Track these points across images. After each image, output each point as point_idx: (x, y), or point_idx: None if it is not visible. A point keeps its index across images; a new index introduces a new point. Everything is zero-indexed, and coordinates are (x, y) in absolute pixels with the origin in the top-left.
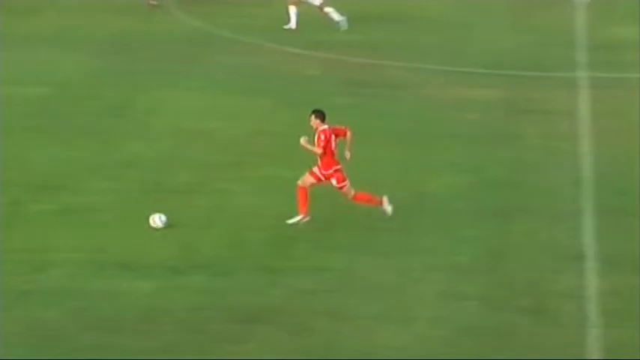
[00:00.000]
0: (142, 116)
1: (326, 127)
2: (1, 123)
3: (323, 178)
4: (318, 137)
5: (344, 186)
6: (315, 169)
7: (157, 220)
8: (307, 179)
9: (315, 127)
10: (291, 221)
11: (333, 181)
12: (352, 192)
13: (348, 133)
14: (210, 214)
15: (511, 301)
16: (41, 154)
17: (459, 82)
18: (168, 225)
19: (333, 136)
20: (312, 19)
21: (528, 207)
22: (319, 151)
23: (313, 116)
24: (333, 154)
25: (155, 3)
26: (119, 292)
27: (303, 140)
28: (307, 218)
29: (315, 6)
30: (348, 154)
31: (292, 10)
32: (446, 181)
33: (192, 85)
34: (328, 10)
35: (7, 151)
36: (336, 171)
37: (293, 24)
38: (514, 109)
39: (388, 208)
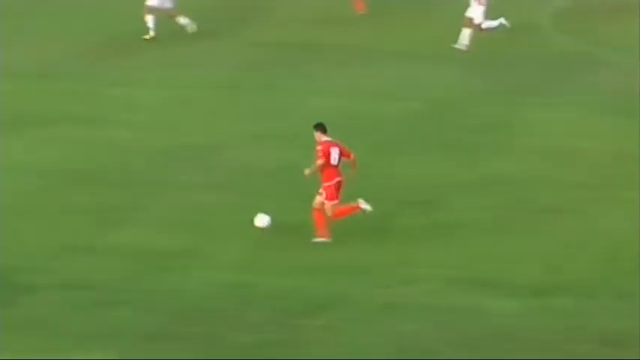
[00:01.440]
0: (512, 133)
1: (327, 139)
2: (372, 139)
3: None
4: (317, 150)
5: (330, 204)
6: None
7: (264, 221)
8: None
9: (317, 139)
10: (316, 240)
11: (323, 194)
12: (331, 212)
13: (352, 156)
14: (576, 236)
15: None
16: (411, 169)
17: None
18: (268, 227)
19: (334, 149)
20: None
21: None
22: (320, 162)
23: (314, 130)
24: (334, 167)
25: None
26: (481, 311)
27: (306, 171)
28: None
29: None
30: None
31: (466, 32)
32: None
33: (565, 104)
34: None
35: (379, 165)
36: (329, 187)
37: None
38: None
39: (367, 207)
